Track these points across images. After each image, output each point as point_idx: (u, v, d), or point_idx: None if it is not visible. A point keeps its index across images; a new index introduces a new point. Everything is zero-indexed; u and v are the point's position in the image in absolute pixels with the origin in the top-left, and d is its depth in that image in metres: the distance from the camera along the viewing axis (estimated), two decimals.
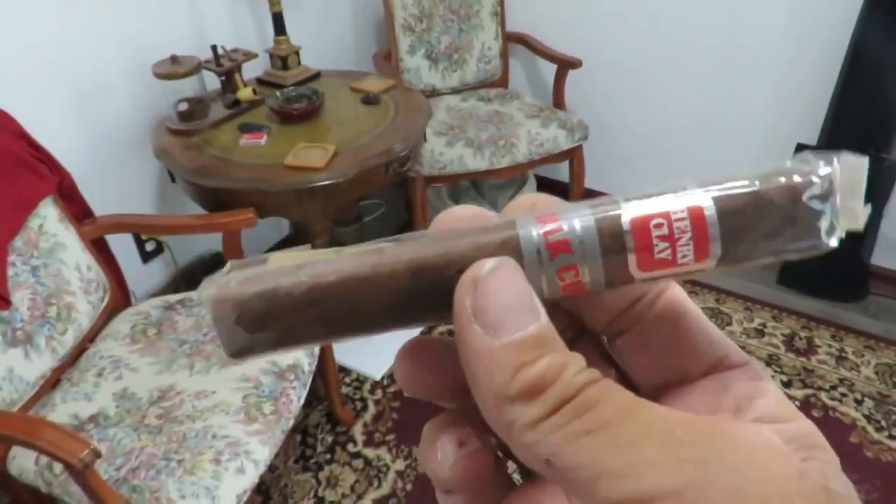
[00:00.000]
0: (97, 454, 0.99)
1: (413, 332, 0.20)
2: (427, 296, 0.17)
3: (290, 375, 1.29)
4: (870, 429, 1.68)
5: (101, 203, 1.50)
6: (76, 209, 1.42)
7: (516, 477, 0.22)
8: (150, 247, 1.86)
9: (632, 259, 0.17)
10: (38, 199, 1.31)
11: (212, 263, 2.01)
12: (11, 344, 1.20)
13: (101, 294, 1.42)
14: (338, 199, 1.57)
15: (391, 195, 2.43)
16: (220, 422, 1.17)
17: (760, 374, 0.18)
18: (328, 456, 1.66)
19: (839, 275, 2.07)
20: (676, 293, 0.20)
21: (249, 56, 1.76)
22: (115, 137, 1.69)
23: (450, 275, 0.17)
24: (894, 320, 2.01)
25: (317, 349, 1.37)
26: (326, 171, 1.47)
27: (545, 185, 2.55)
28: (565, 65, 2.20)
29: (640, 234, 0.17)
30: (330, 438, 1.70)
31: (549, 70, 2.31)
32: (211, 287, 0.18)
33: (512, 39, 2.34)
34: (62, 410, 1.21)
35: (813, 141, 2.05)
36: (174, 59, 1.58)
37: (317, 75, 1.91)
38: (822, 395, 1.78)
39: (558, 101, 2.26)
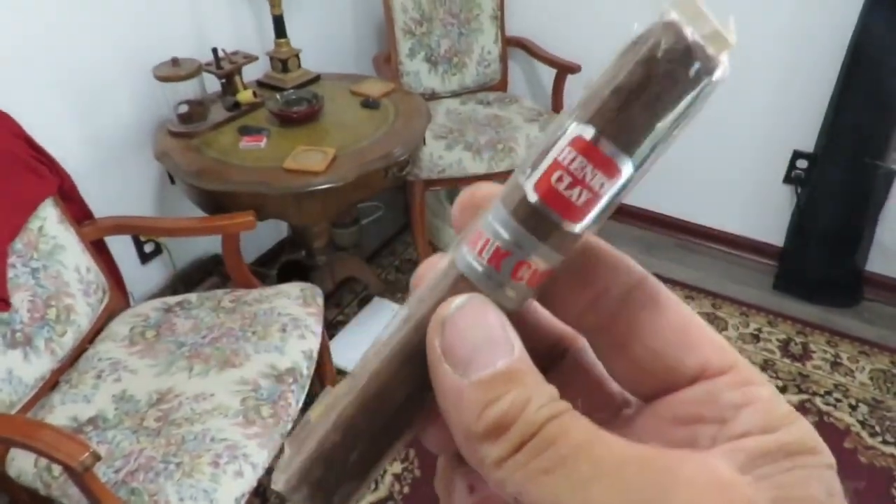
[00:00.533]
0: (97, 457, 0.99)
1: None
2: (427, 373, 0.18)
3: (289, 379, 1.29)
4: (864, 434, 1.69)
5: (100, 204, 1.51)
6: (76, 211, 1.42)
7: None
8: (148, 248, 1.87)
9: (559, 219, 0.17)
10: (38, 200, 1.31)
11: (210, 265, 2.01)
12: (11, 346, 1.21)
13: (101, 296, 1.42)
14: (337, 202, 1.58)
15: (390, 198, 2.44)
16: (219, 425, 1.18)
17: (750, 378, 0.18)
18: None
19: (834, 281, 2.08)
20: (652, 292, 0.19)
21: (250, 59, 1.76)
22: (116, 139, 1.69)
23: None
24: (889, 326, 2.03)
25: (314, 354, 1.38)
26: (326, 174, 1.47)
27: None
28: (564, 69, 2.21)
29: (550, 197, 0.16)
30: None
31: (548, 74, 2.32)
32: (281, 475, 0.19)
33: (511, 44, 2.35)
34: (61, 412, 1.21)
35: (810, 148, 2.06)
36: (175, 62, 1.58)
37: (317, 78, 1.91)
38: (817, 401, 1.79)
39: (557, 106, 2.27)
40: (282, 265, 2.10)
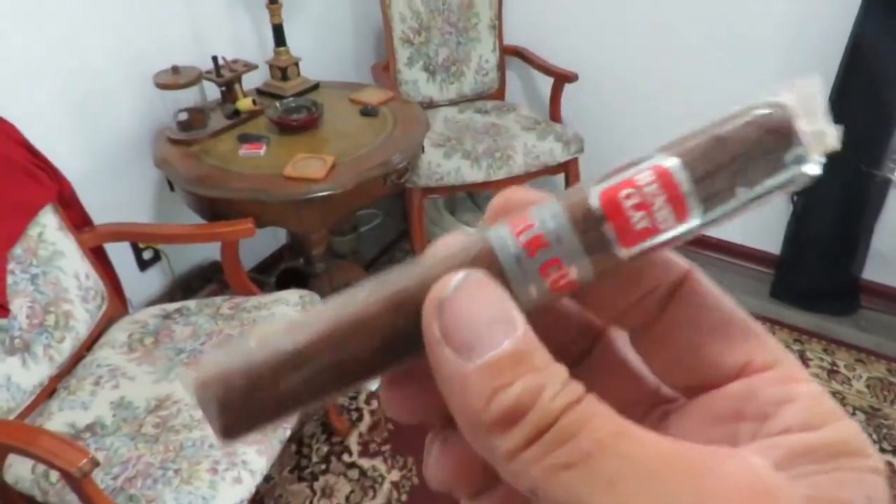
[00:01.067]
0: (95, 463, 0.99)
1: None
2: (415, 330, 0.16)
3: None
4: None
5: (99, 211, 1.51)
6: (75, 217, 1.42)
7: None
8: (147, 255, 1.87)
9: (611, 236, 0.16)
10: (38, 206, 1.32)
11: (209, 272, 2.02)
12: (9, 352, 1.20)
13: (99, 302, 1.42)
14: (336, 209, 1.59)
15: (388, 205, 2.44)
16: None
17: (795, 374, 0.17)
18: (323, 466, 1.66)
19: (831, 289, 2.09)
20: (697, 287, 0.18)
21: (249, 67, 1.77)
22: (115, 146, 1.70)
23: None
24: (886, 334, 2.03)
25: None
26: (325, 181, 1.48)
27: None
28: (561, 78, 2.23)
29: (611, 209, 0.16)
30: (325, 448, 1.70)
31: (545, 83, 2.33)
32: (192, 372, 0.17)
33: (509, 52, 2.36)
34: (59, 419, 1.21)
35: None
36: (175, 70, 1.59)
37: (316, 86, 1.92)
38: None
39: (554, 114, 2.29)
40: (280, 272, 2.10)
